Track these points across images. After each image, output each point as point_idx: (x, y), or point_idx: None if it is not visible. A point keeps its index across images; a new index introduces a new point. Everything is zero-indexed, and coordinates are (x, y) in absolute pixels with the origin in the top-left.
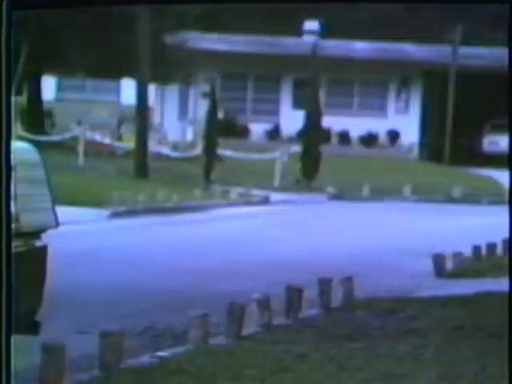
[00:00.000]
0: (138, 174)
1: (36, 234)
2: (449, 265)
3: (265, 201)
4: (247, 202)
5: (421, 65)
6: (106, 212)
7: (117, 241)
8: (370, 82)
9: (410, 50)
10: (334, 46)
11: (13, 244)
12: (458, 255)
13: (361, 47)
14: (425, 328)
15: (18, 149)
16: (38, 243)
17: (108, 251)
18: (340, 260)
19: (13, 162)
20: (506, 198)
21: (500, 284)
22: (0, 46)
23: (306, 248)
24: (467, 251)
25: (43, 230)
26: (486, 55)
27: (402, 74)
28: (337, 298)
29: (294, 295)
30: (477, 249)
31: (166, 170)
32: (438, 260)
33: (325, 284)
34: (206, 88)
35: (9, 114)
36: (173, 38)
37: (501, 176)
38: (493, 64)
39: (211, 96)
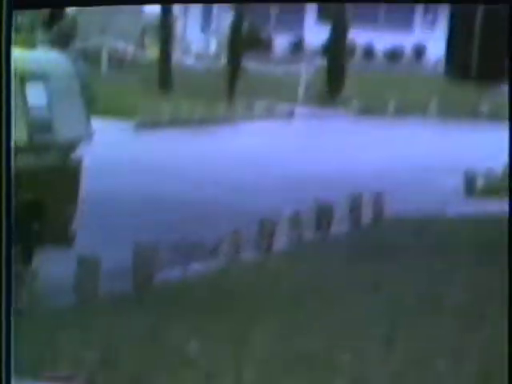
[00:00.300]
0: (162, 85)
1: (71, 145)
2: (479, 182)
3: (290, 114)
4: (272, 115)
5: None
6: (131, 123)
7: (144, 152)
8: None
9: None
10: None
11: (48, 156)
12: (488, 172)
13: None
14: (456, 247)
15: (52, 58)
16: (73, 155)
17: (135, 162)
18: (368, 176)
19: (46, 72)
20: None
21: None
22: (0, 45)
23: (333, 164)
24: (498, 169)
25: (78, 142)
26: None
27: None
28: (367, 214)
29: (323, 211)
30: (508, 166)
31: (190, 81)
32: (469, 177)
33: (355, 200)
34: None
35: (9, 112)
36: None
37: None
38: None
39: (235, 6)
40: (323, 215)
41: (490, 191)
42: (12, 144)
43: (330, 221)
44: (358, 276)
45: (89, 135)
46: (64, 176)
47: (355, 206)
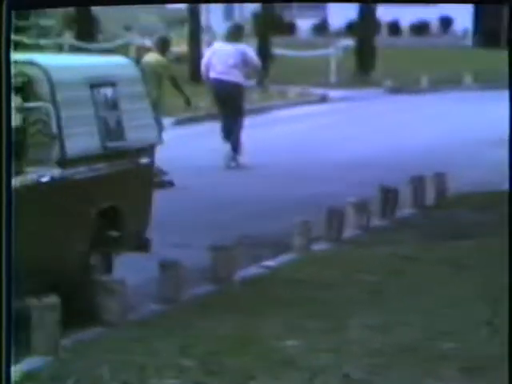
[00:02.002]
0: (194, 78)
1: (142, 150)
2: None
3: (324, 99)
4: (306, 101)
5: None
6: (169, 120)
7: (187, 149)
8: None
9: None
10: None
11: (119, 161)
12: None
13: None
14: None
15: (119, 64)
16: (144, 160)
17: (179, 160)
18: (418, 155)
19: (114, 78)
20: None
21: None
22: (0, 45)
23: (380, 145)
24: None
25: (149, 147)
26: None
27: None
28: (429, 195)
29: (388, 195)
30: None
31: None
32: None
33: (417, 181)
34: None
35: (9, 113)
36: None
37: None
38: None
39: None
40: (388, 199)
41: None
42: (12, 146)
43: (395, 204)
44: (439, 260)
45: (160, 140)
46: (137, 181)
47: (418, 187)
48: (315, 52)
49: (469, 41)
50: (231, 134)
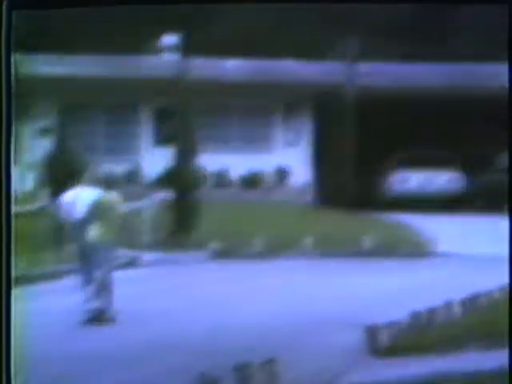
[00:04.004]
0: None
1: None
2: (382, 338)
3: (134, 262)
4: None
5: (309, 86)
6: None
7: None
8: (250, 110)
9: (295, 67)
10: (201, 66)
11: None
12: (393, 326)
13: (234, 66)
14: None
15: None
16: None
17: None
18: (244, 337)
19: None
20: (433, 248)
21: (452, 362)
22: (0, 45)
23: (197, 323)
24: (399, 318)
25: None
26: (389, 72)
27: (287, 98)
28: None
29: None
30: (415, 316)
31: None
32: (371, 332)
33: (243, 370)
34: (45, 123)
35: (9, 111)
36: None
37: (423, 222)
38: (399, 83)
39: (55, 132)
40: None
41: (400, 349)
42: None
43: None
44: None
45: None
46: None
47: (245, 378)
48: (126, 205)
49: (307, 197)
50: None
